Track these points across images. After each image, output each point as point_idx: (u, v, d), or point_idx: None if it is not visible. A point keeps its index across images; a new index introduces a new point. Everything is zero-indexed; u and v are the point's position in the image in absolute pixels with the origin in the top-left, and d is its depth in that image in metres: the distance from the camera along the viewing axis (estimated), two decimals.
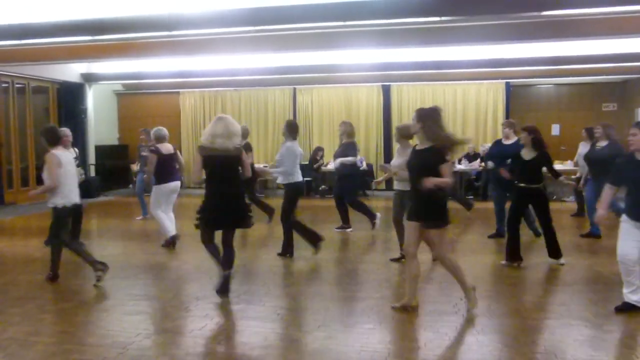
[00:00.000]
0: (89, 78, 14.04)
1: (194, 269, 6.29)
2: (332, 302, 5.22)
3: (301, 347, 4.10)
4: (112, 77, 14.21)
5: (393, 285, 5.76)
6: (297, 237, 7.02)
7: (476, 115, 14.00)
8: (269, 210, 9.23)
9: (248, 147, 9.09)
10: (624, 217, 4.66)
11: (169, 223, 7.50)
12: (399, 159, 6.24)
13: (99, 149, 14.65)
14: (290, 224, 6.91)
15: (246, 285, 5.78)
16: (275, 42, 9.09)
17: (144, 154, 9.68)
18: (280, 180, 6.99)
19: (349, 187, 8.73)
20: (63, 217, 5.82)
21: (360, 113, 14.44)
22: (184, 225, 7.70)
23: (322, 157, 13.49)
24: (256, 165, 11.14)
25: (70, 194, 5.82)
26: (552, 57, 11.29)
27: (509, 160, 7.23)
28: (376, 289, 5.59)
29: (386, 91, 14.25)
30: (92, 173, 14.27)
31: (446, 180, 4.52)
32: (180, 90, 15.25)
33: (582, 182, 8.55)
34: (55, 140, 5.89)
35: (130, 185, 14.22)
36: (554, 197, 12.26)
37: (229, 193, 5.16)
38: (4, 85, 12.21)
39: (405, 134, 6.33)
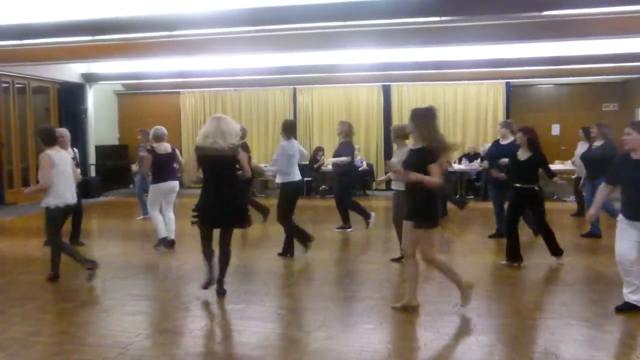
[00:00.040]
0: (90, 78, 14.04)
1: (195, 269, 6.28)
2: (333, 302, 5.22)
3: (301, 347, 4.10)
4: (113, 77, 14.22)
5: (393, 285, 5.76)
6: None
7: (476, 115, 14.00)
8: (263, 211, 9.25)
9: (245, 148, 9.07)
10: (620, 216, 4.67)
11: (162, 225, 7.48)
12: (395, 159, 6.27)
13: (99, 149, 14.65)
14: (294, 224, 6.92)
15: (246, 285, 5.78)
16: (275, 42, 9.10)
17: (141, 154, 9.70)
18: (277, 179, 7.01)
19: (344, 187, 8.75)
20: (55, 218, 5.81)
21: (361, 113, 14.45)
22: (184, 225, 7.69)
23: (322, 157, 13.49)
24: (253, 162, 11.14)
25: (64, 195, 5.80)
26: (552, 57, 11.29)
27: (502, 160, 7.30)
28: (376, 289, 5.59)
29: (386, 91, 14.25)
30: (93, 173, 14.28)
31: (430, 179, 4.54)
32: (181, 90, 15.26)
33: (582, 181, 8.55)
34: (50, 140, 5.89)
35: (131, 186, 14.21)
36: (555, 197, 12.26)
37: (223, 192, 5.17)
38: (4, 85, 12.22)
39: (400, 134, 6.38)
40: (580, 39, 8.94)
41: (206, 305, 5.12)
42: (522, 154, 6.37)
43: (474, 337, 4.23)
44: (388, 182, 8.87)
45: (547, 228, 6.41)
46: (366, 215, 8.52)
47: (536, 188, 6.27)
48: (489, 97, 13.94)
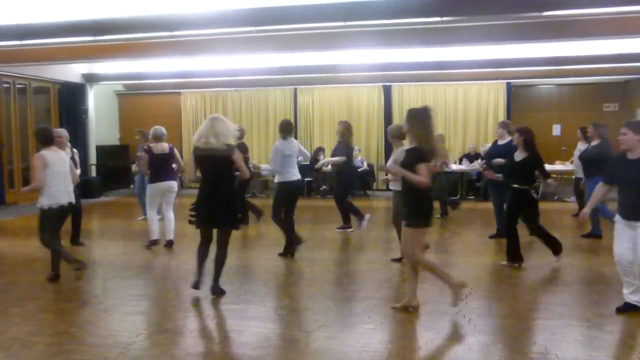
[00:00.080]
0: (90, 78, 14.06)
1: (195, 269, 6.28)
2: (333, 302, 5.22)
3: (302, 347, 4.10)
4: (113, 78, 14.23)
5: (394, 285, 5.76)
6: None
7: (477, 116, 13.99)
8: (258, 212, 9.28)
9: (242, 148, 9.06)
10: (617, 217, 4.68)
11: (155, 227, 7.54)
12: (392, 159, 6.31)
13: (100, 149, 14.66)
14: (292, 224, 6.92)
15: (247, 285, 5.78)
16: (276, 42, 9.10)
17: (139, 154, 9.73)
18: (275, 179, 7.05)
19: (342, 186, 8.77)
20: (47, 218, 5.82)
21: (362, 113, 14.45)
22: (184, 225, 7.69)
23: (322, 157, 13.48)
24: (253, 163, 11.15)
25: (58, 195, 5.79)
26: (553, 57, 11.29)
27: (496, 160, 7.33)
28: (377, 289, 5.59)
29: (387, 91, 14.25)
30: (93, 173, 14.29)
31: (417, 177, 4.56)
32: (181, 90, 15.26)
33: (583, 181, 8.55)
34: (46, 140, 5.90)
35: (131, 186, 14.21)
36: (555, 197, 12.26)
37: (218, 192, 5.19)
38: (5, 85, 12.23)
39: (395, 134, 6.43)
40: (581, 39, 8.94)
41: (206, 305, 5.13)
42: (519, 155, 6.39)
43: (474, 337, 4.23)
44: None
45: (541, 229, 6.42)
46: (360, 216, 8.55)
47: (531, 189, 6.25)
48: (490, 97, 13.93)
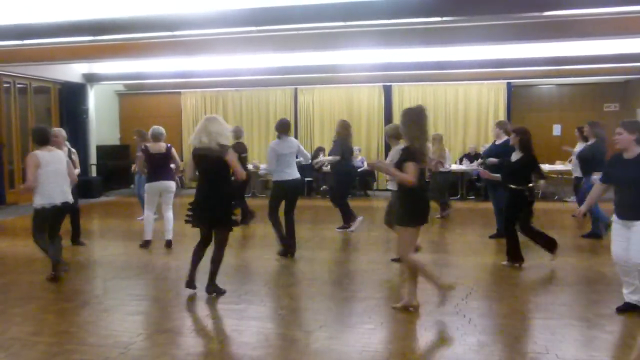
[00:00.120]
0: (91, 78, 14.06)
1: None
2: (333, 302, 5.22)
3: (302, 348, 4.10)
4: (114, 78, 14.23)
5: (394, 285, 5.77)
6: (297, 236, 7.03)
7: (477, 116, 14.00)
8: (249, 214, 9.33)
9: (238, 148, 9.05)
10: (614, 217, 4.69)
11: (150, 227, 7.59)
12: (389, 159, 6.35)
13: (101, 149, 14.66)
14: (292, 224, 6.92)
15: (247, 285, 5.79)
16: (276, 42, 9.10)
17: (137, 153, 9.77)
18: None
19: (335, 186, 8.78)
20: (40, 217, 5.82)
21: (362, 113, 14.46)
22: (184, 225, 7.68)
23: (322, 157, 13.48)
24: (254, 162, 11.14)
25: (51, 195, 5.78)
26: (554, 57, 11.29)
27: (490, 160, 7.40)
28: (377, 289, 5.59)
29: (387, 91, 14.26)
30: (94, 173, 14.30)
31: (403, 175, 4.59)
32: (182, 90, 15.27)
33: (583, 180, 8.56)
34: (41, 140, 5.90)
35: (132, 186, 14.22)
36: (556, 197, 12.26)
37: (212, 192, 5.22)
38: (5, 85, 12.23)
39: (391, 134, 6.49)
40: (582, 39, 8.94)
41: (207, 305, 5.13)
42: (515, 155, 6.41)
43: (474, 337, 4.23)
44: None
45: (531, 229, 6.42)
46: (351, 220, 8.61)
47: (525, 190, 6.24)
48: (490, 97, 13.94)
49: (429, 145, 9.48)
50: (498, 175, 6.68)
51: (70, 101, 13.79)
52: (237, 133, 9.49)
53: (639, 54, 10.69)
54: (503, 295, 5.39)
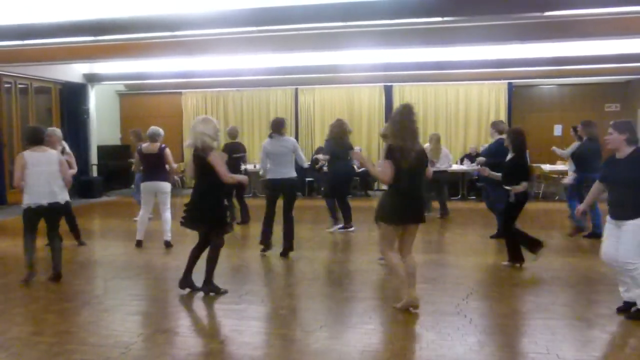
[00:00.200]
0: (91, 78, 14.06)
1: (195, 269, 6.29)
2: (334, 302, 5.22)
3: (303, 348, 4.10)
4: (115, 78, 14.24)
5: (394, 285, 5.75)
6: (297, 236, 7.03)
7: (478, 116, 13.99)
8: (247, 215, 9.46)
9: (230, 148, 9.04)
10: (608, 217, 4.71)
11: (142, 228, 7.63)
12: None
13: (101, 149, 14.67)
14: (290, 222, 6.92)
15: (248, 285, 5.78)
16: (277, 42, 9.11)
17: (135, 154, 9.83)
18: None
19: (328, 185, 8.83)
20: (26, 217, 5.85)
21: (363, 113, 14.46)
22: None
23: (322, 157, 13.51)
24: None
25: (36, 195, 5.76)
26: (555, 57, 11.28)
27: (479, 159, 7.57)
28: (378, 289, 5.59)
29: (388, 92, 14.25)
30: (95, 173, 14.31)
31: (375, 171, 4.79)
32: (183, 90, 15.27)
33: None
34: (32, 139, 5.89)
35: (132, 186, 14.25)
36: (556, 197, 12.25)
37: (199, 194, 5.27)
38: (6, 85, 12.24)
39: (383, 134, 6.52)
40: (583, 39, 8.94)
41: (207, 305, 5.13)
42: (509, 155, 6.42)
43: (475, 337, 4.23)
44: None
45: (514, 232, 6.39)
46: (335, 220, 8.70)
47: (510, 190, 6.23)
48: (491, 97, 13.93)
49: (427, 145, 9.52)
50: (499, 174, 6.69)
51: (71, 101, 13.80)
52: (232, 133, 9.51)
53: None
54: (503, 296, 5.39)
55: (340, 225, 8.68)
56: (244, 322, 4.63)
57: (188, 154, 13.98)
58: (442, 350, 3.99)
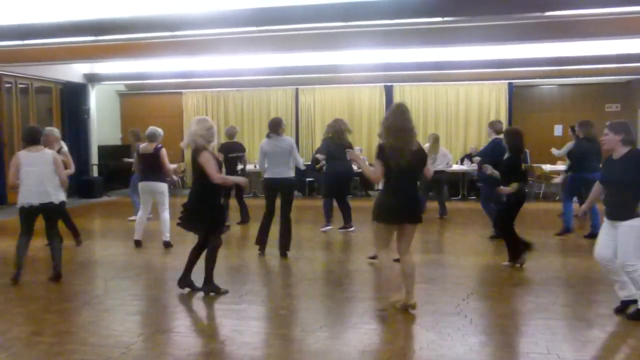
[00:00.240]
0: (92, 78, 14.07)
1: (195, 269, 6.28)
2: (334, 302, 5.22)
3: (303, 348, 4.10)
4: (115, 78, 14.24)
5: (395, 285, 5.74)
6: (298, 236, 7.03)
7: (479, 116, 13.98)
8: (246, 216, 9.46)
9: (226, 147, 9.04)
10: (604, 217, 4.72)
11: (139, 228, 7.64)
12: None
13: (102, 149, 14.67)
14: (286, 223, 6.93)
15: (248, 285, 5.78)
16: (277, 42, 9.11)
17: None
18: None
19: (324, 185, 8.84)
20: (21, 217, 5.89)
21: (363, 113, 14.46)
22: None
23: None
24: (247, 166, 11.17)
25: (29, 195, 5.77)
26: (555, 57, 11.28)
27: (475, 158, 7.60)
28: (378, 289, 5.58)
29: (389, 92, 14.25)
30: (95, 173, 14.31)
31: (367, 170, 4.90)
32: (183, 90, 15.27)
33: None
34: (29, 139, 5.90)
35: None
36: (557, 197, 12.24)
37: (191, 193, 5.29)
38: (7, 85, 12.24)
39: (379, 133, 6.52)
40: (583, 39, 8.93)
41: (207, 305, 5.13)
42: (506, 155, 6.43)
43: (475, 338, 4.23)
44: None
45: (508, 231, 6.40)
46: (327, 222, 8.75)
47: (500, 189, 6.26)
48: (492, 97, 13.93)
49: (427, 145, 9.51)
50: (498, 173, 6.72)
51: (71, 101, 13.80)
52: (229, 132, 9.51)
53: None
54: (504, 296, 5.39)
55: (330, 227, 8.71)
56: (244, 322, 4.63)
57: (189, 154, 14.04)
58: (442, 350, 3.99)
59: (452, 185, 13.08)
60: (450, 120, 14.12)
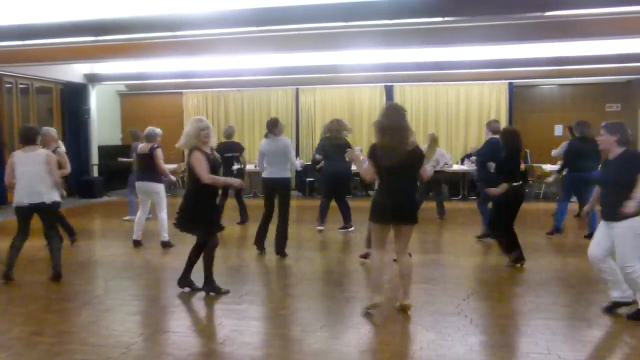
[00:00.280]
0: (92, 78, 14.07)
1: (196, 269, 6.28)
2: (334, 302, 5.22)
3: (303, 348, 4.10)
4: (115, 78, 14.24)
5: (395, 285, 5.74)
6: (298, 236, 7.03)
7: (479, 116, 13.97)
8: (245, 216, 9.47)
9: (222, 147, 8.99)
10: (601, 217, 4.73)
11: (137, 228, 7.65)
12: None
13: (102, 149, 14.66)
14: (284, 223, 6.93)
15: (248, 285, 5.78)
16: (277, 42, 9.11)
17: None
18: None
19: (323, 185, 8.84)
20: (17, 216, 5.90)
21: (363, 113, 14.45)
22: None
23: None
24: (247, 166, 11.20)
25: (21, 194, 5.77)
26: (555, 57, 11.27)
27: (471, 157, 7.62)
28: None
29: (389, 92, 14.25)
30: (95, 173, 14.32)
31: (360, 167, 5.00)
32: (183, 90, 15.27)
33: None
34: (24, 139, 5.93)
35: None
36: (557, 197, 12.22)
37: (185, 194, 5.31)
38: (7, 85, 12.25)
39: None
40: (584, 39, 8.93)
41: (208, 305, 5.13)
42: (503, 155, 6.44)
43: (475, 338, 4.23)
44: None
45: (500, 232, 6.43)
46: (322, 220, 8.72)
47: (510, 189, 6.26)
48: (492, 97, 13.92)
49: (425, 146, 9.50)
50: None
51: (72, 101, 13.81)
52: (227, 132, 9.52)
53: None
54: (504, 296, 5.40)
55: (323, 227, 8.72)
56: (244, 322, 4.63)
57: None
58: (442, 350, 3.99)
59: (453, 185, 13.08)
60: (451, 120, 14.11)
